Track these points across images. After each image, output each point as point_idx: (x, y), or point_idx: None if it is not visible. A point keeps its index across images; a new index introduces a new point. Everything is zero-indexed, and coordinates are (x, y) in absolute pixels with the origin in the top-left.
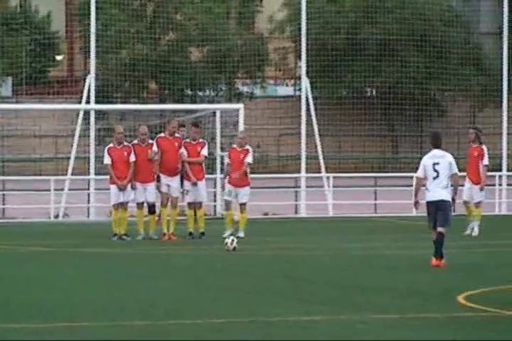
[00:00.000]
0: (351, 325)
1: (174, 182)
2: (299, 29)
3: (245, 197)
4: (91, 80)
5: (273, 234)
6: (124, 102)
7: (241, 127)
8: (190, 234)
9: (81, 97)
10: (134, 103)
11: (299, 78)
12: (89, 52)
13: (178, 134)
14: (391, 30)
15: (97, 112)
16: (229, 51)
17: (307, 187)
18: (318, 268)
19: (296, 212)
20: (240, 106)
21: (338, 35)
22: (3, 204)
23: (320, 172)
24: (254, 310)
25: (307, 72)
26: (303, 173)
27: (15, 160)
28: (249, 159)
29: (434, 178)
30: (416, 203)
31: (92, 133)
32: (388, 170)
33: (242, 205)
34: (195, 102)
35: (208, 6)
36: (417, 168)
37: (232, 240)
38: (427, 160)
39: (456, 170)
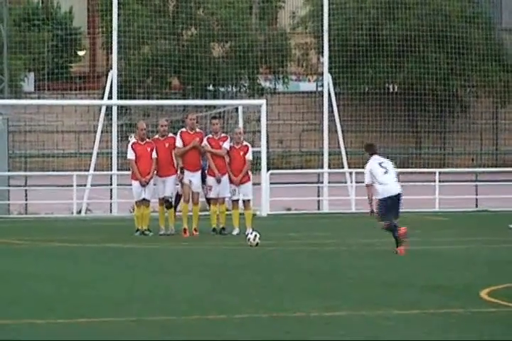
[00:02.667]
0: (374, 321)
1: (196, 177)
2: (321, 25)
3: (248, 194)
4: (113, 76)
5: (295, 229)
6: (147, 98)
7: (263, 123)
8: (214, 229)
9: (103, 93)
10: (157, 98)
11: (321, 74)
12: (111, 47)
13: (198, 129)
14: (412, 26)
15: (120, 108)
16: (251, 47)
17: (330, 182)
18: (341, 263)
19: (318, 208)
20: (263, 101)
21: (360, 31)
22: (26, 200)
23: (342, 168)
24: (277, 305)
25: (329, 68)
26: (325, 169)
27: (37, 155)
28: (249, 156)
29: (385, 173)
30: (371, 212)
31: (115, 129)
32: (411, 165)
33: (246, 202)
34: (217, 98)
35: (230, 1)
36: (440, 164)
37: (255, 236)
38: (371, 164)
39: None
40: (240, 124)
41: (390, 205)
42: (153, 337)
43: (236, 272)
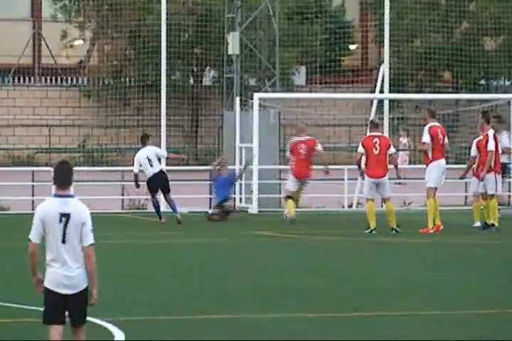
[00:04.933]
0: None
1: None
2: None
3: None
4: (384, 69)
5: None
6: (418, 92)
7: None
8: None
9: (375, 86)
10: (428, 92)
11: None
12: (382, 41)
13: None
14: None
15: (391, 101)
16: None
17: None
18: None
19: None
20: None
21: None
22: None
23: None
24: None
25: None
26: None
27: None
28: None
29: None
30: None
31: (386, 123)
32: None
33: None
34: (489, 92)
35: None
36: None
37: None
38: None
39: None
40: None
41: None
42: (425, 332)
43: (503, 267)
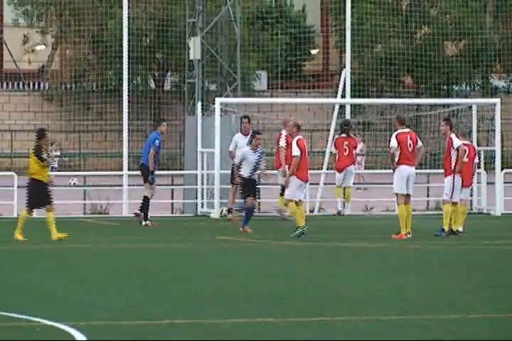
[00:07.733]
0: None
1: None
2: None
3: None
4: (346, 74)
5: None
6: (380, 96)
7: (497, 122)
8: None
9: (336, 91)
10: (390, 97)
11: None
12: (344, 46)
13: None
14: None
15: (353, 106)
16: (485, 45)
17: None
18: None
19: None
20: (497, 100)
21: None
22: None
23: None
24: (509, 305)
25: None
26: None
27: (270, 154)
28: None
29: None
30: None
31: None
32: None
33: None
34: (450, 96)
35: (464, 0)
36: None
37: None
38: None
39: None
40: (474, 123)
41: None
42: (387, 336)
43: (467, 272)
